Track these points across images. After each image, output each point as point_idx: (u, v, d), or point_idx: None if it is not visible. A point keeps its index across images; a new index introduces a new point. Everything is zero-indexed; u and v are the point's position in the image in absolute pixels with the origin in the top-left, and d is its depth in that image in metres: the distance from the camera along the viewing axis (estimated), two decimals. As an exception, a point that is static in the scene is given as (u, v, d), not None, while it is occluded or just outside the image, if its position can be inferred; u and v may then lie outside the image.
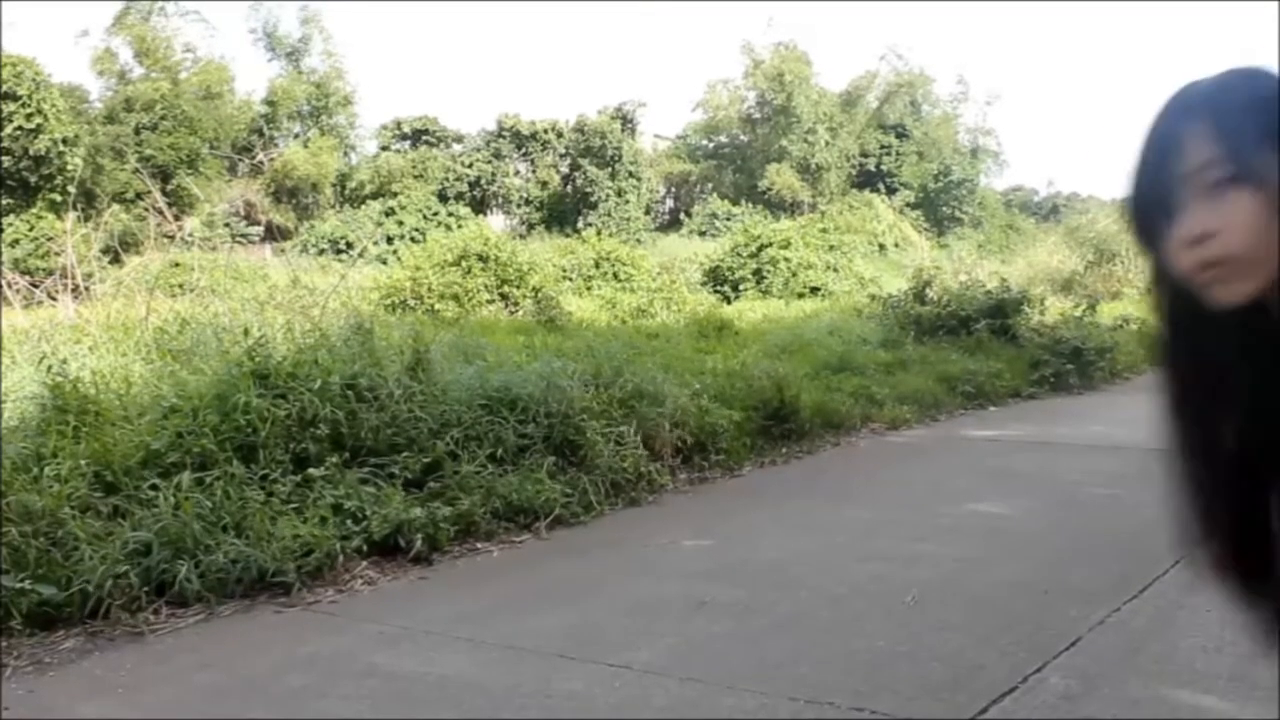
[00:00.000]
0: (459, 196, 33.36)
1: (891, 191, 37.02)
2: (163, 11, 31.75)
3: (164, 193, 23.18)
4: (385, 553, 5.17)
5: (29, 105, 22.70)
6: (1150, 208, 1.14)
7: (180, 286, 11.46)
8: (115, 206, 21.92)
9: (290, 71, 34.61)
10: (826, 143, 35.72)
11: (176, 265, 13.06)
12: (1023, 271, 22.02)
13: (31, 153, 22.84)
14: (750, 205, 33.37)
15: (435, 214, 31.44)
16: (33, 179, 23.12)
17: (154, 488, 4.96)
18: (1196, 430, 1.26)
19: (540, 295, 15.33)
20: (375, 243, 27.62)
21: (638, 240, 29.93)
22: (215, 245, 17.66)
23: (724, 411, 7.74)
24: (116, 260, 16.52)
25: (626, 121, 35.80)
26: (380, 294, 15.21)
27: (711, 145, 39.66)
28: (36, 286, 11.32)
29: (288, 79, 34.14)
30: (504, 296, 15.72)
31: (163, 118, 28.86)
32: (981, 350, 12.22)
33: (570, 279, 18.55)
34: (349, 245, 27.33)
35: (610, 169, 33.94)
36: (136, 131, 28.34)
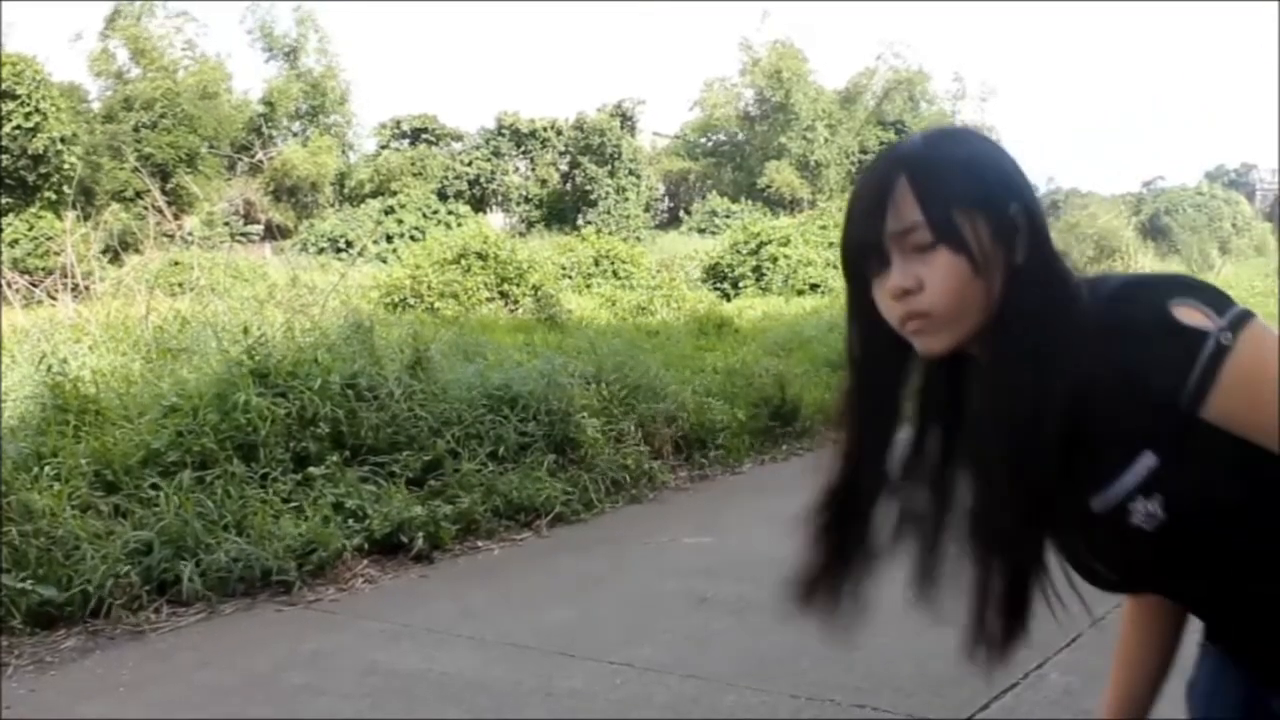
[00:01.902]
0: (458, 195, 33.33)
1: (891, 188, 36.98)
2: (152, 13, 31.72)
3: (163, 191, 23.15)
4: (386, 551, 5.18)
5: (28, 104, 22.69)
6: (861, 250, 1.17)
7: (180, 285, 11.44)
8: (114, 205, 21.87)
9: (287, 71, 34.59)
10: (826, 139, 35.71)
11: (176, 264, 13.04)
12: (1022, 268, 21.93)
13: (30, 151, 22.82)
14: (749, 203, 33.36)
15: (435, 212, 31.41)
16: (31, 178, 23.11)
17: (154, 487, 4.96)
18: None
19: (540, 293, 15.32)
20: (375, 241, 27.61)
21: (637, 238, 29.89)
22: (215, 244, 17.66)
23: (725, 409, 7.74)
24: (116, 259, 16.51)
25: (626, 119, 35.77)
26: (380, 293, 15.19)
27: (710, 143, 39.64)
28: (36, 286, 11.32)
29: (284, 78, 34.12)
30: (504, 295, 15.71)
31: (162, 116, 28.83)
32: (982, 346, 12.19)
33: (570, 277, 18.54)
34: (348, 244, 27.30)
35: (610, 167, 33.92)
36: (136, 130, 28.32)
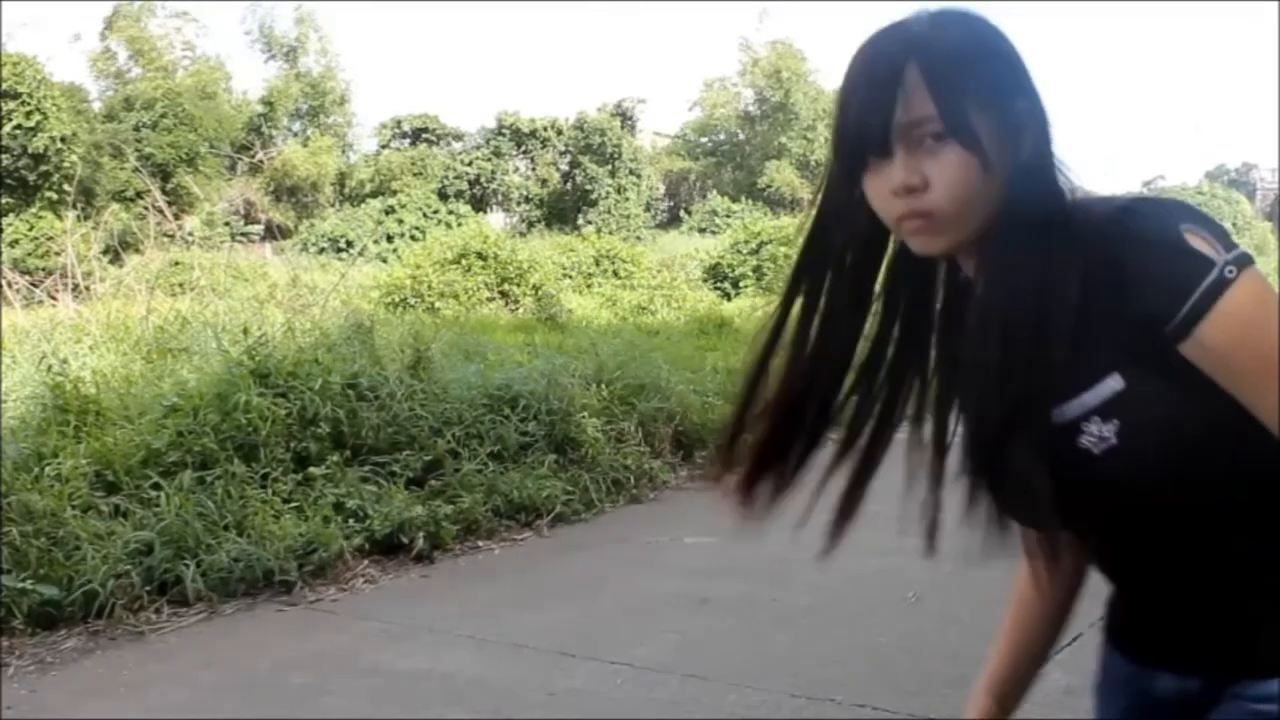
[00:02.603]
0: (459, 194, 33.31)
1: (892, 188, 37.00)
2: (152, 13, 31.72)
3: (164, 191, 23.14)
4: (387, 551, 5.18)
5: (29, 103, 22.68)
6: (861, 140, 1.09)
7: (180, 285, 11.45)
8: (115, 205, 21.88)
9: (286, 71, 34.58)
10: (826, 139, 35.69)
11: (177, 264, 13.04)
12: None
13: (30, 151, 22.82)
14: (750, 202, 33.36)
15: (435, 212, 31.39)
16: (31, 178, 23.10)
17: (155, 487, 4.96)
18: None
19: (540, 293, 15.31)
20: (375, 241, 27.61)
21: (638, 238, 29.88)
22: (215, 244, 17.65)
23: (726, 408, 7.72)
24: (116, 259, 16.50)
25: (626, 119, 35.76)
26: (380, 292, 15.19)
27: (710, 143, 39.64)
28: (36, 286, 11.32)
29: (283, 78, 34.11)
30: (504, 294, 15.71)
31: (163, 116, 28.84)
32: (983, 346, 12.19)
33: (570, 277, 18.53)
34: (349, 244, 27.31)
35: (610, 166, 33.90)
36: (136, 130, 28.32)
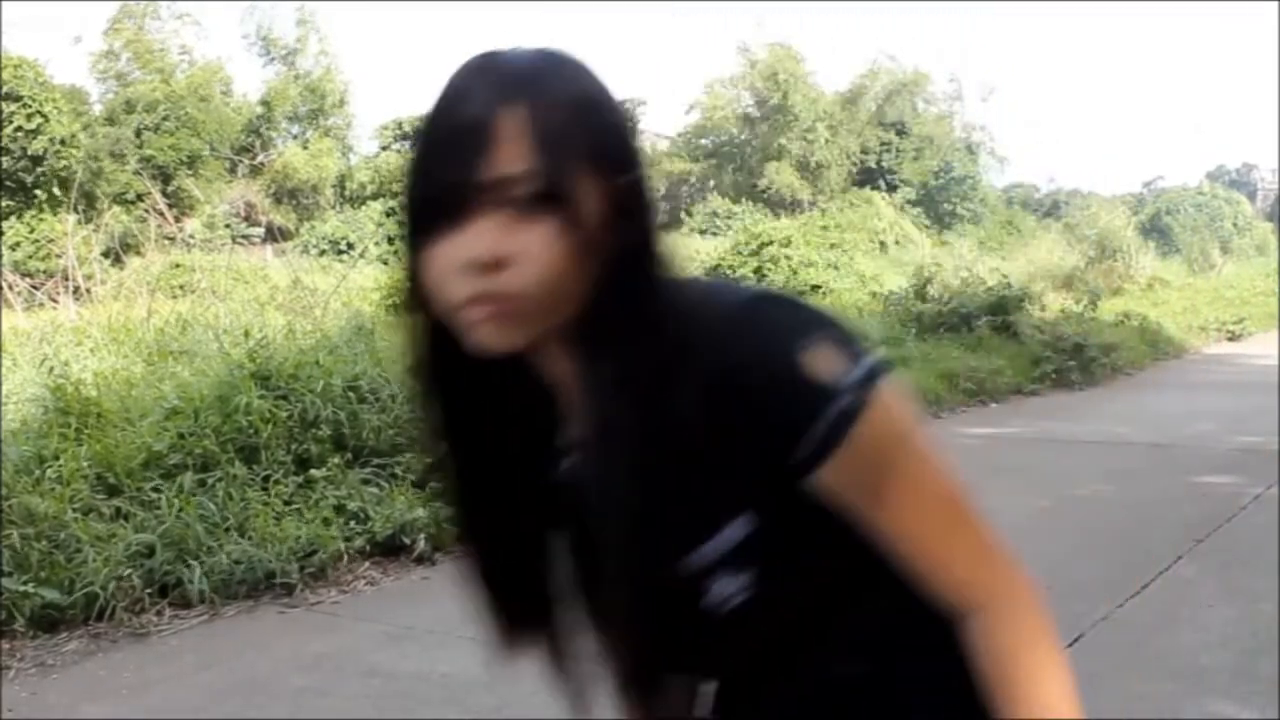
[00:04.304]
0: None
1: (892, 189, 37.00)
2: (156, 15, 31.75)
3: (164, 194, 23.16)
4: (388, 553, 5.18)
5: (30, 106, 22.70)
6: (429, 201, 0.86)
7: (181, 288, 11.47)
8: (116, 208, 21.89)
9: (285, 73, 34.59)
10: (826, 140, 35.71)
11: (177, 266, 13.06)
12: (1023, 268, 21.97)
13: (30, 153, 22.84)
14: (750, 204, 33.37)
15: (436, 214, 31.40)
16: (31, 180, 23.12)
17: (156, 489, 4.96)
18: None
19: (541, 294, 15.31)
20: (376, 243, 27.61)
21: (638, 239, 29.85)
22: (216, 246, 17.65)
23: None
24: (117, 262, 16.51)
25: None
26: (382, 294, 15.19)
27: (711, 144, 39.65)
28: (37, 288, 11.33)
29: (282, 80, 34.13)
30: (505, 296, 15.71)
31: (164, 119, 28.86)
32: (983, 347, 12.21)
33: (571, 278, 18.55)
34: (350, 245, 27.31)
35: (610, 168, 33.94)
36: (137, 133, 28.34)
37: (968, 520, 0.95)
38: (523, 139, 0.84)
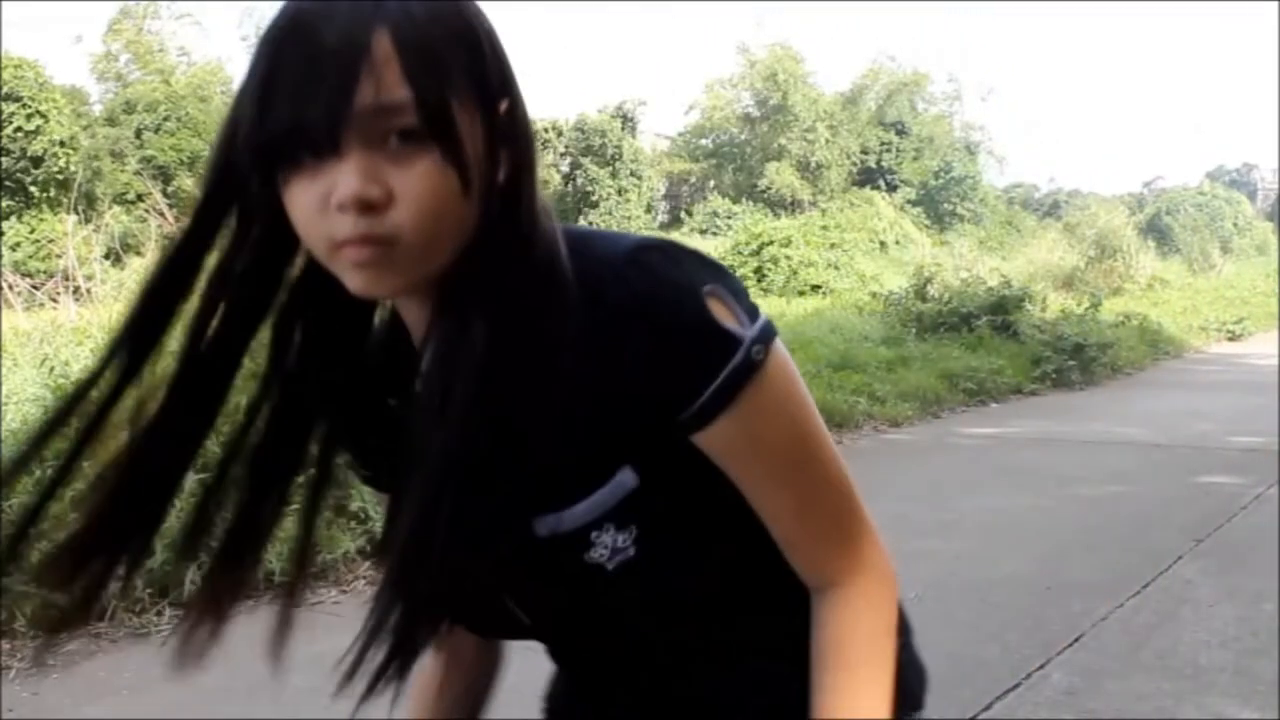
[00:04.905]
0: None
1: (892, 189, 37.02)
2: (156, 15, 31.79)
3: (165, 194, 23.16)
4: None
5: (29, 106, 22.72)
6: (295, 131, 0.76)
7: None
8: (116, 208, 21.91)
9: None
10: (827, 140, 35.72)
11: (178, 267, 13.02)
12: (1023, 268, 22.01)
13: (30, 153, 22.85)
14: (751, 204, 33.38)
15: (436, 213, 31.44)
16: (31, 180, 23.13)
17: (156, 489, 4.96)
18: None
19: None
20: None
21: (639, 239, 29.86)
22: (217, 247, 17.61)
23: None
24: (118, 262, 16.51)
25: (627, 120, 35.78)
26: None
27: (711, 144, 39.66)
28: (37, 289, 11.33)
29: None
30: (505, 296, 15.73)
31: (165, 119, 28.89)
32: (983, 347, 12.22)
33: (571, 278, 18.54)
34: (350, 245, 27.37)
35: (611, 168, 33.93)
36: (138, 134, 28.36)
37: (841, 495, 0.93)
38: (396, 63, 0.75)
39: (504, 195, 0.81)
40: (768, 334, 0.85)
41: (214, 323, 0.88)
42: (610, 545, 0.87)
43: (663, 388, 0.83)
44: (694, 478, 0.88)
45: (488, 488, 0.84)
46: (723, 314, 0.83)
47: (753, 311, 0.85)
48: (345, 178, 0.75)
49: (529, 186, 0.83)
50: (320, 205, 0.77)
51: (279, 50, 0.77)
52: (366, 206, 0.76)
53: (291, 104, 0.75)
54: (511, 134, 0.82)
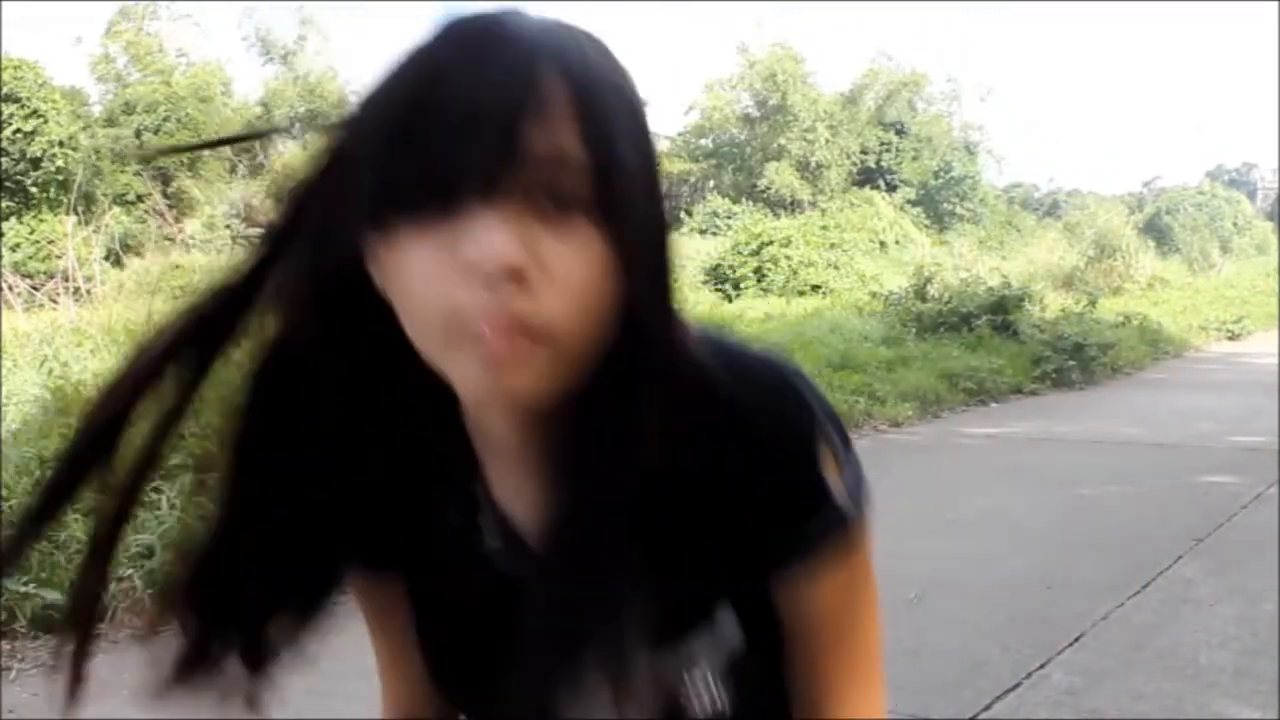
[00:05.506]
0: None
1: (892, 189, 37.00)
2: (155, 15, 31.79)
3: (164, 195, 23.19)
4: (388, 553, 5.18)
5: (27, 107, 22.71)
6: (445, 167, 0.61)
7: (182, 288, 11.45)
8: (115, 209, 21.91)
9: (283, 74, 34.63)
10: (827, 140, 35.72)
11: (177, 267, 13.07)
12: (1023, 268, 21.99)
13: (29, 154, 22.85)
14: (750, 204, 33.37)
15: (436, 214, 31.44)
16: (31, 181, 23.13)
17: (156, 490, 4.95)
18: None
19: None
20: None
21: (638, 239, 29.84)
22: (216, 247, 17.66)
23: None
24: (118, 263, 16.54)
25: (626, 120, 35.80)
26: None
27: (710, 145, 39.67)
28: (37, 289, 11.34)
29: (280, 81, 34.16)
30: (505, 296, 15.72)
31: (165, 120, 28.89)
32: (983, 347, 12.21)
33: (572, 278, 18.53)
34: (350, 246, 27.35)
35: (610, 168, 33.95)
36: (137, 134, 28.36)
37: (872, 658, 0.89)
38: (570, 111, 0.62)
39: (653, 286, 0.69)
40: (861, 495, 0.80)
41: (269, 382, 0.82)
42: (710, 697, 0.80)
43: (762, 524, 0.76)
44: (762, 620, 0.82)
45: (612, 635, 0.71)
46: (830, 463, 0.77)
47: (857, 468, 0.80)
48: (493, 236, 0.61)
49: (671, 276, 0.71)
50: (446, 270, 0.62)
51: (432, 74, 0.64)
52: (518, 277, 0.61)
53: (446, 137, 0.61)
54: (664, 216, 0.71)
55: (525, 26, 0.65)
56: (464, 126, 0.61)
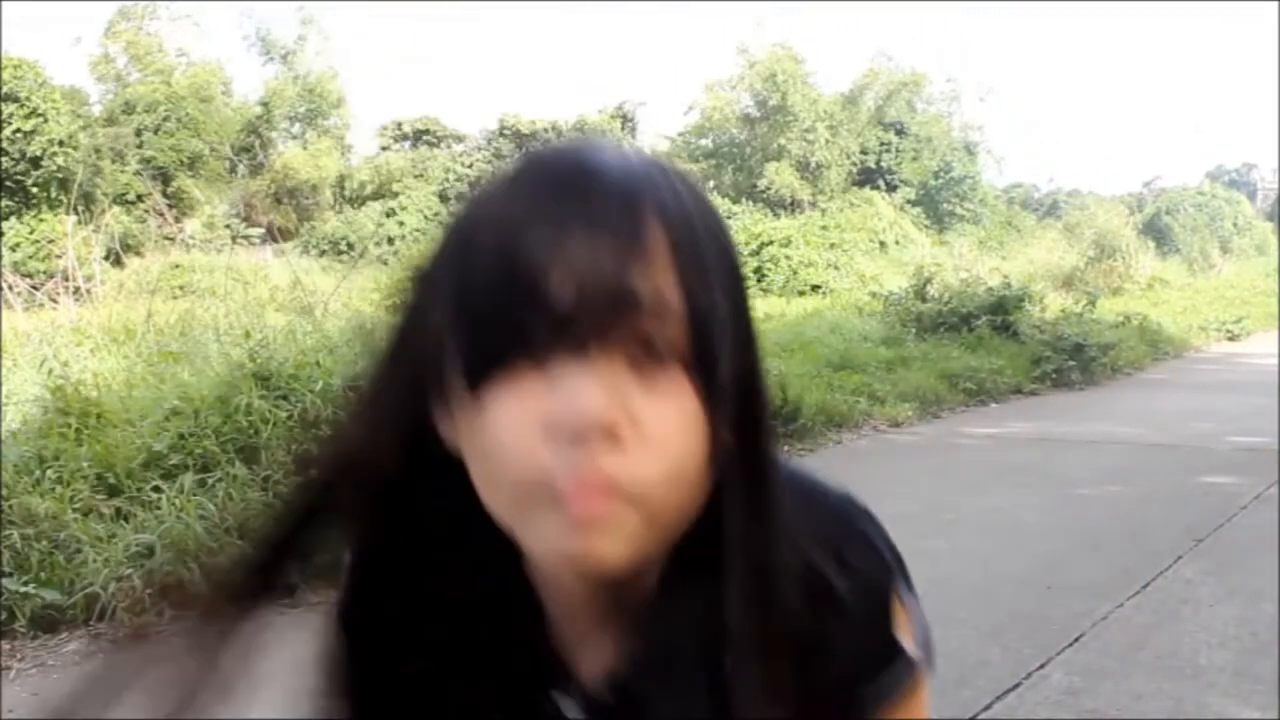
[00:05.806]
0: (460, 196, 33.32)
1: (892, 189, 37.00)
2: (155, 15, 31.80)
3: (165, 194, 23.20)
4: (388, 553, 5.17)
5: (26, 106, 22.71)
6: (554, 314, 0.58)
7: (181, 288, 11.49)
8: (115, 209, 21.92)
9: (284, 73, 34.63)
10: (827, 141, 35.72)
11: (177, 267, 13.08)
12: (1023, 268, 21.99)
13: (29, 154, 22.85)
14: (750, 204, 33.38)
15: (436, 214, 31.37)
16: (31, 181, 23.13)
17: (156, 490, 4.96)
18: None
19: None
20: (376, 243, 27.64)
21: (639, 239, 29.82)
22: (216, 247, 17.66)
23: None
24: (118, 262, 16.53)
25: (627, 121, 35.81)
26: (382, 295, 15.18)
27: (710, 145, 39.68)
28: (37, 289, 11.34)
29: (280, 81, 34.17)
30: (505, 296, 15.70)
31: (165, 119, 28.90)
32: (983, 347, 12.22)
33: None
34: (350, 246, 27.34)
35: (610, 168, 33.95)
36: (138, 134, 28.37)
37: None
38: (669, 258, 0.60)
39: (753, 445, 0.66)
40: (929, 653, 0.80)
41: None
42: None
43: (838, 679, 0.74)
44: None
45: None
46: (901, 616, 0.76)
47: (923, 621, 0.79)
48: (587, 391, 0.57)
49: (769, 437, 0.67)
50: (533, 426, 0.58)
51: (527, 221, 0.60)
52: (611, 434, 0.58)
53: (548, 292, 0.58)
54: (760, 369, 0.67)
55: (619, 169, 0.62)
56: (567, 280, 0.58)
